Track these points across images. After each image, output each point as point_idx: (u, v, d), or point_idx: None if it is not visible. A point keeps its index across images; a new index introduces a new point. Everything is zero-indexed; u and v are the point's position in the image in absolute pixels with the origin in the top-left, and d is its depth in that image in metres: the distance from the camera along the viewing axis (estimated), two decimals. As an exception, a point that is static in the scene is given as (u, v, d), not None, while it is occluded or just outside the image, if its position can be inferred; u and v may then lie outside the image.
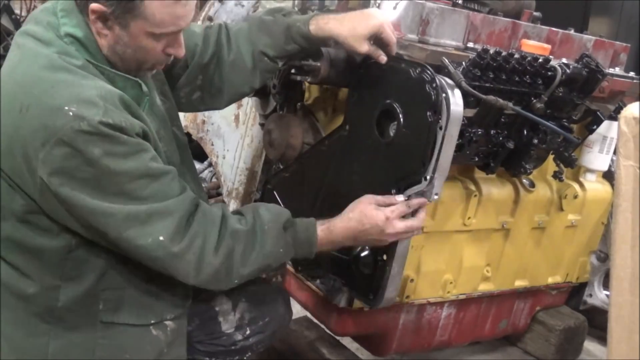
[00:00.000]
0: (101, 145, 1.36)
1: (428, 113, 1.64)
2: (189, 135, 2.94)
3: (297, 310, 2.77)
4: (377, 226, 1.65)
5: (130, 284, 1.54)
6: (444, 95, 1.64)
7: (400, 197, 1.69)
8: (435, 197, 1.68)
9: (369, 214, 1.65)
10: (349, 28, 1.74)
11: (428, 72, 1.65)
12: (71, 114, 1.33)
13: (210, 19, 3.17)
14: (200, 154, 2.98)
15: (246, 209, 1.65)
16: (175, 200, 1.47)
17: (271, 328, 1.90)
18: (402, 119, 1.71)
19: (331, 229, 1.68)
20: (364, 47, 1.75)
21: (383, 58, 1.77)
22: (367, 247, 1.81)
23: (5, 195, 1.47)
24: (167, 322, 1.60)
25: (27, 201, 1.44)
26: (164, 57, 1.56)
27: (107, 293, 1.52)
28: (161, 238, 1.44)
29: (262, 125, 2.32)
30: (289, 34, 1.81)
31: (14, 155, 1.40)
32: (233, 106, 2.76)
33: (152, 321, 1.58)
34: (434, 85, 1.64)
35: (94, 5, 1.43)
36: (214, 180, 3.04)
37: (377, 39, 1.76)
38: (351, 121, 1.89)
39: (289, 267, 2.21)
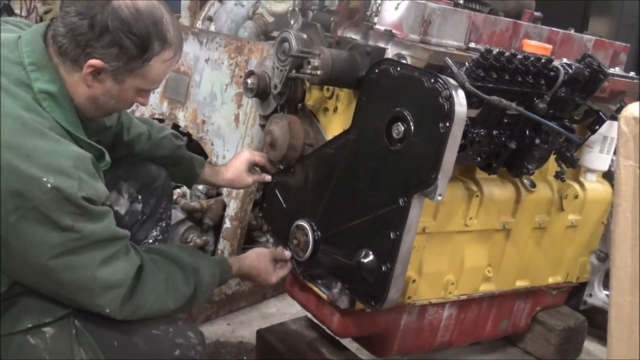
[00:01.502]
0: (73, 216, 1.42)
1: (440, 124, 1.64)
2: (189, 135, 2.93)
3: (297, 310, 2.77)
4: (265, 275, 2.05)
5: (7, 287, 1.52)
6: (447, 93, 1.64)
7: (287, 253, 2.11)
8: (439, 197, 1.68)
9: (262, 267, 2.05)
10: (232, 174, 2.17)
11: (441, 82, 1.65)
12: (49, 185, 1.37)
13: (210, 19, 3.16)
14: (200, 154, 2.96)
15: (188, 267, 1.77)
16: (124, 272, 1.57)
17: (160, 185, 2.11)
18: (412, 128, 1.71)
19: (238, 267, 1.99)
20: (249, 180, 2.19)
21: (268, 178, 2.21)
22: (370, 253, 1.81)
23: None
24: (46, 329, 1.54)
25: None
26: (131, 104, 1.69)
27: None
28: (107, 310, 1.56)
29: (262, 126, 2.31)
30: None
31: None
32: (233, 106, 2.76)
33: (29, 325, 1.52)
34: (448, 96, 1.64)
35: (94, 62, 1.48)
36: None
37: (258, 166, 2.21)
38: (359, 126, 1.88)
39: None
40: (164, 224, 2.15)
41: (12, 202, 1.36)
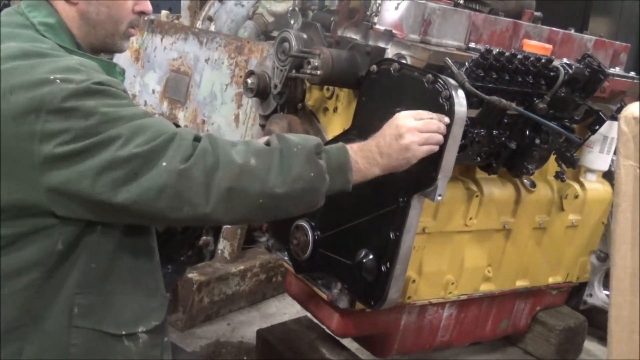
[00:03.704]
0: (94, 99, 1.36)
1: None
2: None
3: (297, 310, 2.77)
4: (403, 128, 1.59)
5: (103, 290, 1.51)
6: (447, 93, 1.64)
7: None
8: (439, 198, 1.68)
9: (395, 122, 1.61)
10: None
11: (441, 82, 1.65)
12: (58, 81, 1.34)
13: (210, 18, 3.16)
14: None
15: (271, 136, 1.52)
16: (175, 130, 1.40)
17: None
18: None
19: (362, 147, 1.59)
20: None
21: None
22: (370, 253, 1.81)
23: None
24: (140, 335, 1.56)
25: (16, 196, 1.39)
26: (135, 17, 1.60)
27: (80, 297, 1.48)
28: (164, 164, 1.34)
29: (262, 126, 2.31)
30: None
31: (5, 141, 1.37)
32: (233, 106, 2.76)
33: (124, 332, 1.53)
34: (448, 96, 1.64)
35: None
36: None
37: None
38: (360, 126, 1.88)
39: (290, 268, 2.20)
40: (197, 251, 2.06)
41: (31, 111, 1.33)
